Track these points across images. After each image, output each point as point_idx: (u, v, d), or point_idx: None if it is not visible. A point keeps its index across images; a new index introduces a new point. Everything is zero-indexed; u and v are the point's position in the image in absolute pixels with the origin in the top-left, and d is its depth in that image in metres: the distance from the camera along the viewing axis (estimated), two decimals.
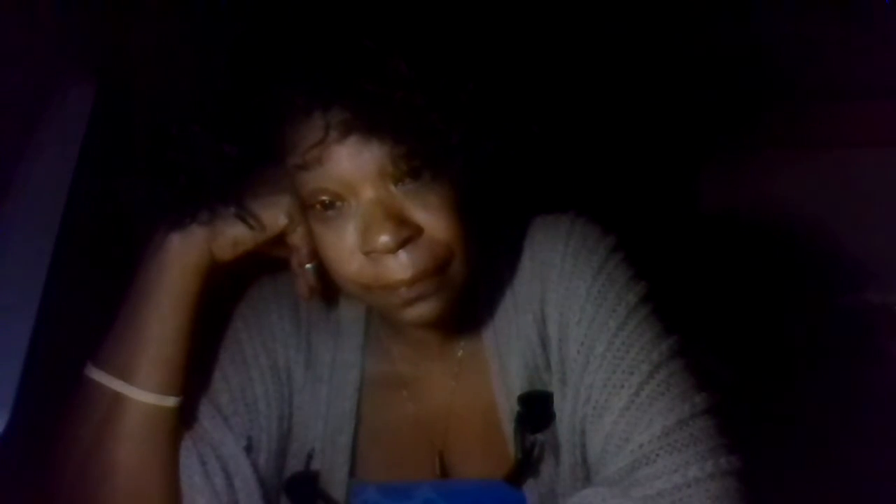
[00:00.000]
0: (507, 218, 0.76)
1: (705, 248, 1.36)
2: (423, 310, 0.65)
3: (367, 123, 0.60)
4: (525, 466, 0.70)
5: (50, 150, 0.90)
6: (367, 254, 0.64)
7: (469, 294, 0.71)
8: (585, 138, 1.06)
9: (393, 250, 0.62)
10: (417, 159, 0.62)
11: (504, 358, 0.73)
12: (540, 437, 0.71)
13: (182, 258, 0.67)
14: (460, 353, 0.76)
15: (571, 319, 0.69)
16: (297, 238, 0.68)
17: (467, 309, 0.73)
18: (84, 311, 0.85)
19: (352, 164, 0.62)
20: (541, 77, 0.69)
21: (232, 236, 0.67)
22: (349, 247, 0.64)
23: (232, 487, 0.69)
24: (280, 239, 0.69)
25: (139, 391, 0.66)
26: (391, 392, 0.76)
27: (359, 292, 0.67)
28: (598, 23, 1.20)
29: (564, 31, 1.09)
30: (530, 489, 0.70)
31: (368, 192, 0.63)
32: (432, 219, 0.64)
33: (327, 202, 0.64)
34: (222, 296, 0.73)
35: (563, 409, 0.70)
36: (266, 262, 0.73)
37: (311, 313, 0.78)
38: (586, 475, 0.69)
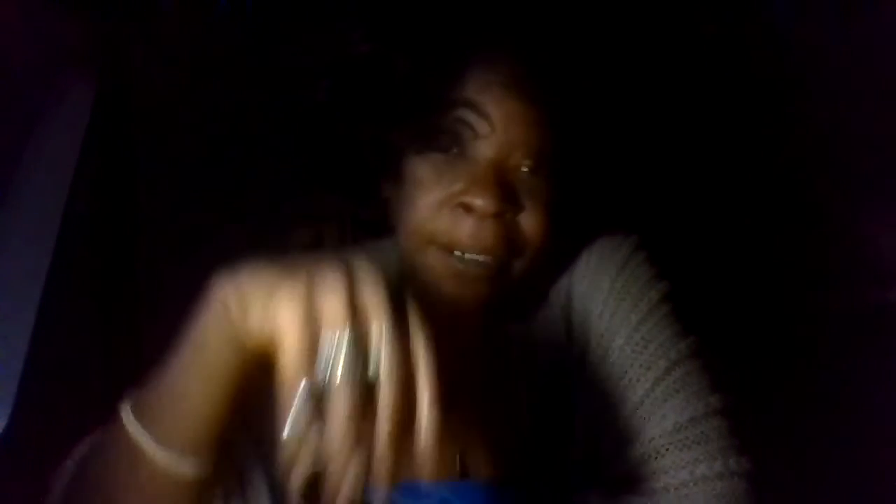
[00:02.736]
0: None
1: (705, 247, 1.35)
2: (466, 290, 0.65)
3: (531, 97, 0.64)
4: (541, 463, 0.70)
5: (50, 151, 0.89)
6: (458, 206, 0.64)
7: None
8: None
9: (488, 215, 0.63)
10: (552, 146, 0.64)
11: (529, 353, 0.73)
12: (557, 433, 0.71)
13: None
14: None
15: (593, 312, 0.70)
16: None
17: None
18: (84, 312, 0.85)
19: (506, 122, 0.64)
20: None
21: None
22: (442, 196, 0.64)
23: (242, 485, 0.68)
24: None
25: (167, 454, 0.54)
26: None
27: (418, 247, 0.66)
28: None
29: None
30: (544, 485, 0.70)
31: (494, 152, 0.64)
32: (530, 207, 0.65)
33: (447, 143, 0.65)
34: None
35: (580, 402, 0.70)
36: None
37: None
38: (598, 469, 0.68)
